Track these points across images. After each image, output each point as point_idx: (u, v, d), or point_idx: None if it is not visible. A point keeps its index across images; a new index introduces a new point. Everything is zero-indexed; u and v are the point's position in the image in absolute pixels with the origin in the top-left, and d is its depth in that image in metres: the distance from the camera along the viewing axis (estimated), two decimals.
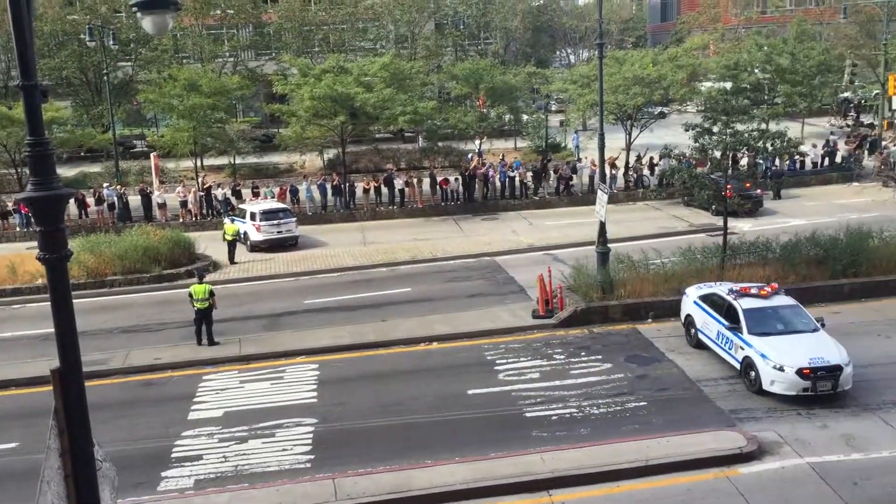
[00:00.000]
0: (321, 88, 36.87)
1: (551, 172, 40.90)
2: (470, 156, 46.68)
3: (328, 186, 39.01)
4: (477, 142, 49.01)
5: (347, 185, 39.34)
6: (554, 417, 16.77)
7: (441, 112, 42.43)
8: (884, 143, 43.59)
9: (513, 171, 40.60)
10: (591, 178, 39.18)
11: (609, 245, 24.09)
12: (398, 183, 39.68)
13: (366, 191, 39.43)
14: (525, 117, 52.56)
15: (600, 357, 19.95)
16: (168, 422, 17.43)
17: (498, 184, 40.43)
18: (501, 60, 66.93)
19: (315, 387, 18.97)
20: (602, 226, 23.85)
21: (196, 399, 18.56)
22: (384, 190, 39.66)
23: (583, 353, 20.26)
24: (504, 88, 49.39)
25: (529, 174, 40.57)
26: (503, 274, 28.27)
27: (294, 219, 33.99)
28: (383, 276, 29.12)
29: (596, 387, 18.17)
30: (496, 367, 19.61)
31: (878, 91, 50.93)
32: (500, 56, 70.51)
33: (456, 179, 40.08)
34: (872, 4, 55.04)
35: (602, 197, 23.67)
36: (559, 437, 15.88)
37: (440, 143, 45.64)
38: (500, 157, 44.67)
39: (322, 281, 28.84)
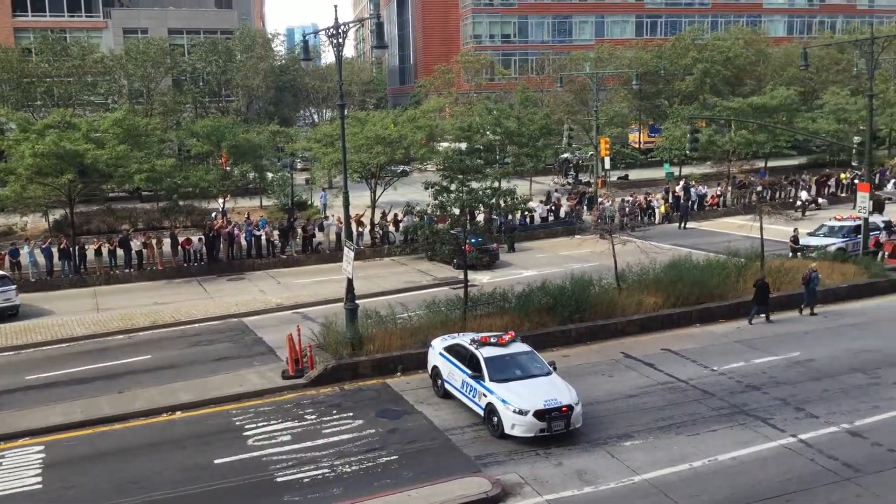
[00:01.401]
0: (44, 145, 34.18)
1: (298, 230, 40.82)
2: (214, 215, 45.41)
3: (54, 250, 36.09)
4: (221, 200, 47.79)
5: (77, 247, 36.60)
6: (306, 480, 16.47)
7: (181, 170, 40.96)
8: (599, 199, 48.40)
9: (259, 230, 40.05)
10: (338, 235, 39.64)
11: (357, 301, 24.39)
12: (135, 244, 37.55)
13: (98, 253, 36.81)
14: (270, 175, 52.16)
15: (351, 414, 19.99)
16: None
17: (244, 243, 39.63)
18: (244, 118, 66.19)
19: (40, 471, 17.18)
20: (350, 282, 24.13)
21: None
22: (120, 252, 37.33)
23: (334, 412, 20.19)
24: (247, 146, 48.77)
25: (276, 232, 40.23)
26: (251, 335, 27.57)
27: (13, 286, 31.04)
28: (120, 343, 27.23)
29: (348, 444, 18.15)
30: (245, 433, 18.96)
31: (592, 152, 56.68)
32: (243, 114, 69.72)
33: (199, 239, 38.76)
34: (583, 76, 61.52)
35: (349, 254, 23.99)
36: (312, 499, 15.61)
37: (182, 202, 43.95)
38: (246, 216, 43.88)
39: (48, 353, 26.38)
